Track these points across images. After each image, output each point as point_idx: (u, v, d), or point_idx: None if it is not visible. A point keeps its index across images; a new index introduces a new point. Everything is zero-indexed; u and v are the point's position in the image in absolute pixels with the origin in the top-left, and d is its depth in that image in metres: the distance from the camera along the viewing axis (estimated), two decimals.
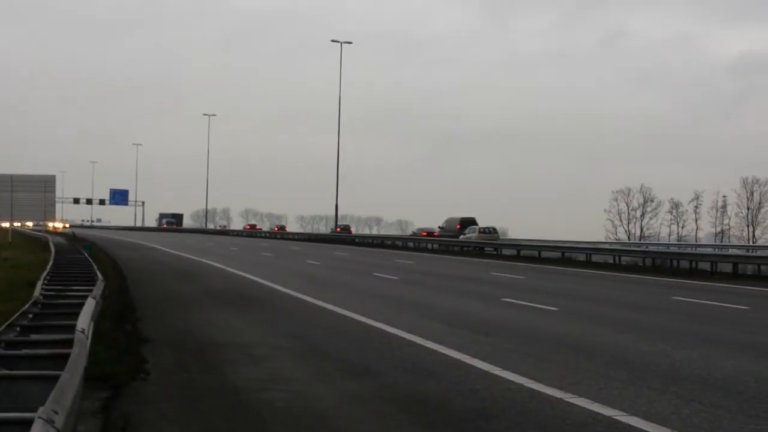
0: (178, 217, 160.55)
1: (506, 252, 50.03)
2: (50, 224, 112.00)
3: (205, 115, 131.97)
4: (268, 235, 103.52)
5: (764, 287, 26.53)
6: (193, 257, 40.11)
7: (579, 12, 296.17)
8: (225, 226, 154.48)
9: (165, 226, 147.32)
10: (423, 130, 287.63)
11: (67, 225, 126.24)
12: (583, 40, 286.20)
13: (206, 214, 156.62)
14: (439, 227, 79.05)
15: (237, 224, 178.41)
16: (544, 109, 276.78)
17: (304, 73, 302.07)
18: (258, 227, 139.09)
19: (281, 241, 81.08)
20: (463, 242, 59.03)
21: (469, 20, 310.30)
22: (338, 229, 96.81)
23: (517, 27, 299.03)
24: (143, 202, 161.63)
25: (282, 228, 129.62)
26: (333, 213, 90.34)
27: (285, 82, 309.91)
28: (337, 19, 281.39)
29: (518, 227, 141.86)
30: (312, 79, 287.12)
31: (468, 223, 70.89)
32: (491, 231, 64.83)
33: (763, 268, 32.77)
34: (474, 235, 63.99)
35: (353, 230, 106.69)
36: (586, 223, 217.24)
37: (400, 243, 66.46)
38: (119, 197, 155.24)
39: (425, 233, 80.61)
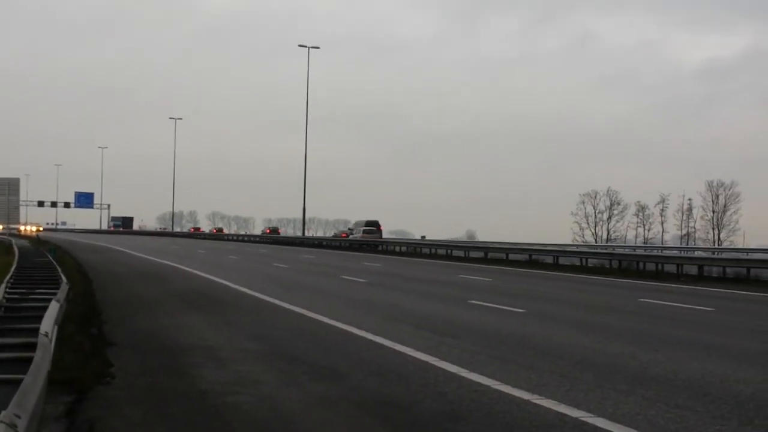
0: (127, 220, 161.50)
1: (474, 254, 50.19)
2: (22, 228, 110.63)
3: (171, 118, 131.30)
4: (208, 236, 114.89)
5: (729, 289, 26.79)
6: (159, 260, 39.85)
7: (545, 17, 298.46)
8: (165, 228, 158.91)
9: (112, 228, 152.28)
10: (391, 132, 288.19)
11: (42, 228, 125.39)
12: (549, 44, 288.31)
13: (173, 217, 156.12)
14: (348, 229, 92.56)
15: (204, 228, 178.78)
16: (511, 112, 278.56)
17: (274, 76, 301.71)
18: (201, 229, 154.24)
19: (248, 244, 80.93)
20: (420, 243, 61.53)
21: (436, 24, 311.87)
22: (267, 231, 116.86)
23: (484, 31, 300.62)
24: (108, 205, 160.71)
25: (220, 230, 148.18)
26: (300, 216, 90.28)
27: (254, 85, 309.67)
28: (306, 23, 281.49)
29: (486, 229, 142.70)
30: (281, 82, 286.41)
31: (372, 224, 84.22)
32: (373, 231, 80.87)
33: (728, 270, 33.08)
34: (359, 235, 79.15)
35: (281, 232, 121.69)
36: (554, 225, 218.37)
37: (367, 246, 66.54)
38: (84, 200, 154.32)
39: (345, 234, 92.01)
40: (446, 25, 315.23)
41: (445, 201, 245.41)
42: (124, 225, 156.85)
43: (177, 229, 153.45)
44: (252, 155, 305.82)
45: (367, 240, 70.90)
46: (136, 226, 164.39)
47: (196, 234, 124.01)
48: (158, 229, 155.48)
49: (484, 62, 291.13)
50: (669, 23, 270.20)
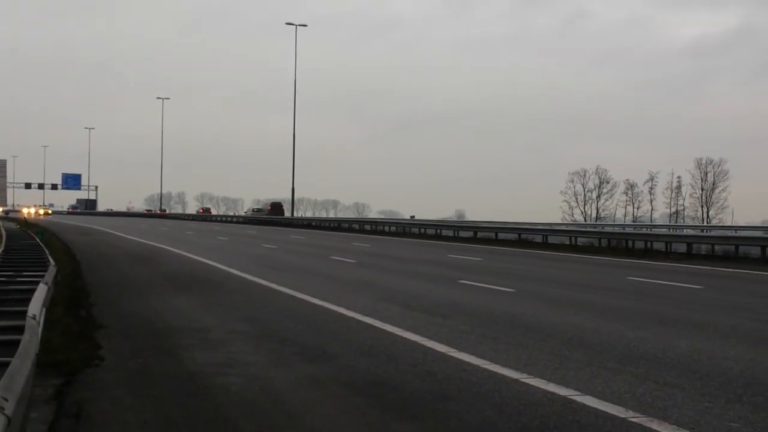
0: (90, 203, 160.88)
1: (463, 234, 50.23)
2: (25, 210, 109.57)
3: (158, 98, 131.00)
4: (154, 215, 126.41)
5: (718, 266, 26.89)
6: (147, 242, 39.76)
7: None
8: (131, 209, 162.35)
9: (70, 210, 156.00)
10: (382, 112, 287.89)
11: (50, 211, 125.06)
12: (541, 23, 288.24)
13: (161, 198, 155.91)
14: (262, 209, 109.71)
15: (192, 209, 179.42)
16: (501, 91, 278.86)
17: (264, 56, 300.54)
18: (153, 210, 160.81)
19: (236, 225, 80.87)
20: (417, 224, 60.47)
21: (427, 3, 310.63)
22: (201, 210, 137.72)
23: (475, 10, 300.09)
24: (96, 187, 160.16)
25: (163, 211, 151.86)
26: (290, 196, 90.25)
27: (244, 65, 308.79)
28: (298, 1, 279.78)
29: (475, 209, 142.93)
30: (271, 61, 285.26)
31: (277, 205, 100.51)
32: (261, 210, 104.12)
33: (716, 247, 33.18)
34: (250, 213, 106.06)
35: (213, 212, 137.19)
36: (543, 204, 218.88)
37: (357, 226, 66.56)
38: (72, 182, 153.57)
39: (201, 210, 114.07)
40: (437, 4, 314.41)
41: (435, 180, 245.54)
42: (87, 207, 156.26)
43: (166, 210, 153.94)
44: (242, 135, 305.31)
45: (257, 217, 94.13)
46: (124, 208, 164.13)
47: (149, 214, 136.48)
48: (109, 210, 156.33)
49: (475, 41, 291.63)
50: (660, 0, 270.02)
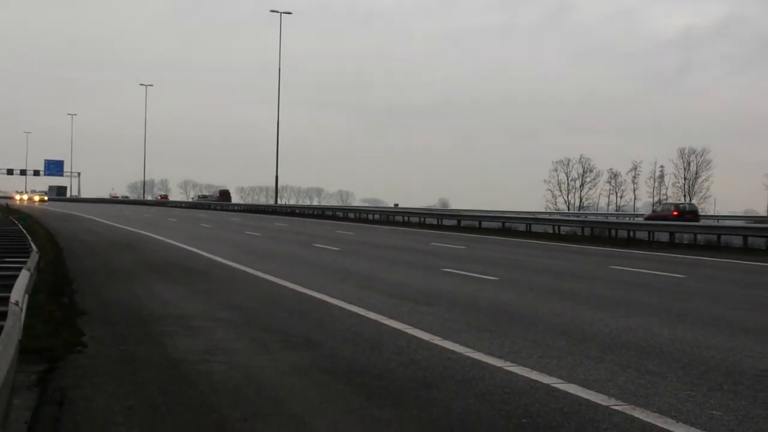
0: (61, 189, 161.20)
1: (447, 222, 50.30)
2: (17, 197, 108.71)
3: (141, 85, 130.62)
4: (127, 203, 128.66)
5: (700, 256, 27.03)
6: (130, 228, 39.62)
7: None
8: (114, 195, 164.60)
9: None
10: (367, 101, 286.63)
11: (46, 198, 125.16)
12: (527, 16, 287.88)
13: (144, 185, 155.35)
14: (209, 195, 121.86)
15: (175, 196, 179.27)
16: (487, 82, 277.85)
17: (251, 46, 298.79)
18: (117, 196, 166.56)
19: (221, 212, 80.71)
20: (401, 211, 60.45)
21: None
22: (159, 197, 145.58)
23: (462, 2, 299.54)
24: (79, 173, 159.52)
25: (126, 198, 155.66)
26: (273, 184, 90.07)
27: (231, 54, 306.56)
28: None
29: (459, 197, 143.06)
30: (258, 51, 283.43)
31: (224, 192, 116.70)
32: (206, 196, 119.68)
33: (699, 237, 33.38)
34: (196, 198, 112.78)
35: (170, 198, 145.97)
36: (527, 193, 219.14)
37: (340, 214, 66.58)
38: (54, 168, 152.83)
39: (161, 196, 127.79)
40: None
41: (419, 169, 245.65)
42: (58, 194, 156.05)
43: (148, 197, 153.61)
44: (226, 123, 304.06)
45: (201, 203, 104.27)
46: (107, 195, 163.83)
47: (115, 200, 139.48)
48: (74, 195, 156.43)
49: (462, 33, 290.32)
50: None
